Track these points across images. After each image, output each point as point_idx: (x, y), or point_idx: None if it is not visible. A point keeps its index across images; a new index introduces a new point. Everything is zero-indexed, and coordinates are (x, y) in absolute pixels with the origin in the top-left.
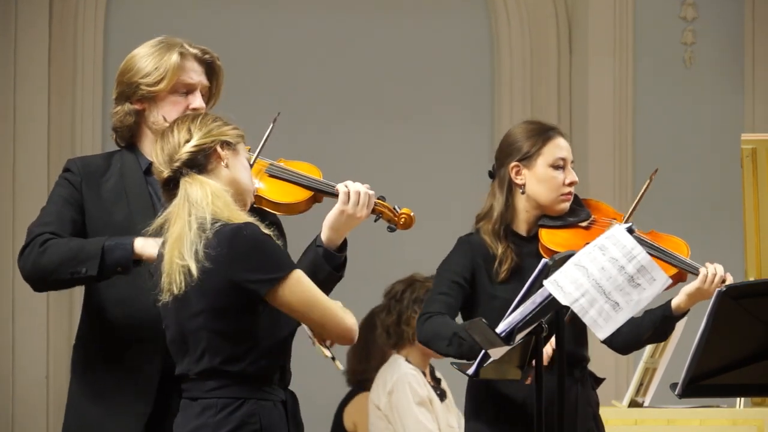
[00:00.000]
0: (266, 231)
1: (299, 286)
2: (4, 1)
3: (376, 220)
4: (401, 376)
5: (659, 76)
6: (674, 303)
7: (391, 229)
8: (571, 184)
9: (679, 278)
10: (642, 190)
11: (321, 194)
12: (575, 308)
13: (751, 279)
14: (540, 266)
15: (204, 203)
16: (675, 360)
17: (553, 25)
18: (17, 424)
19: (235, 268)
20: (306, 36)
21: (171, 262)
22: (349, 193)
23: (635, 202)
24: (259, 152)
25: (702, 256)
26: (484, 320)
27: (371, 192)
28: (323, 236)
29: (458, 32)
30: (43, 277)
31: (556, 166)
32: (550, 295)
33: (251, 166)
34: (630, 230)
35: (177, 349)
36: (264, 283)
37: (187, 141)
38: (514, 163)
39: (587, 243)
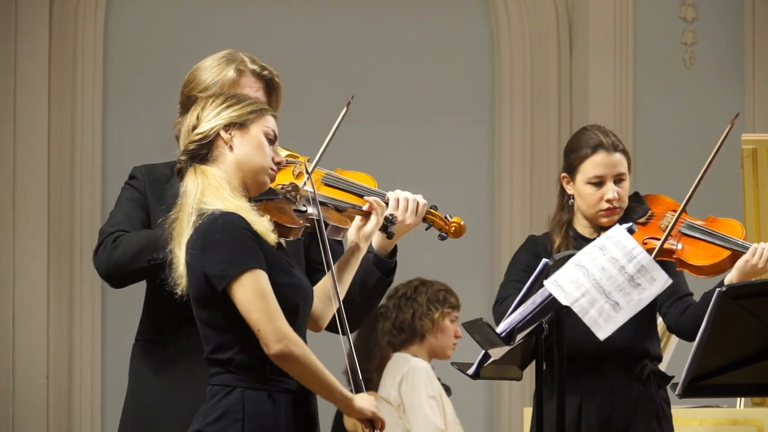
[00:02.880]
0: (257, 219)
1: (252, 286)
2: (4, 2)
3: (427, 229)
4: (411, 369)
5: (659, 76)
6: (727, 279)
7: (442, 238)
8: (609, 201)
9: (734, 259)
10: (697, 178)
11: None
12: (575, 308)
13: (751, 279)
14: (540, 266)
15: (193, 194)
16: (675, 360)
17: (553, 25)
18: (17, 424)
19: (202, 259)
20: (306, 35)
21: (177, 256)
22: (399, 199)
23: (691, 191)
24: (316, 162)
25: None
26: (484, 320)
27: (423, 201)
28: (374, 243)
29: (458, 32)
30: (119, 270)
31: (593, 183)
32: (551, 295)
33: (309, 175)
34: (630, 230)
35: None
36: (220, 279)
37: (194, 127)
38: (563, 174)
39: (647, 239)
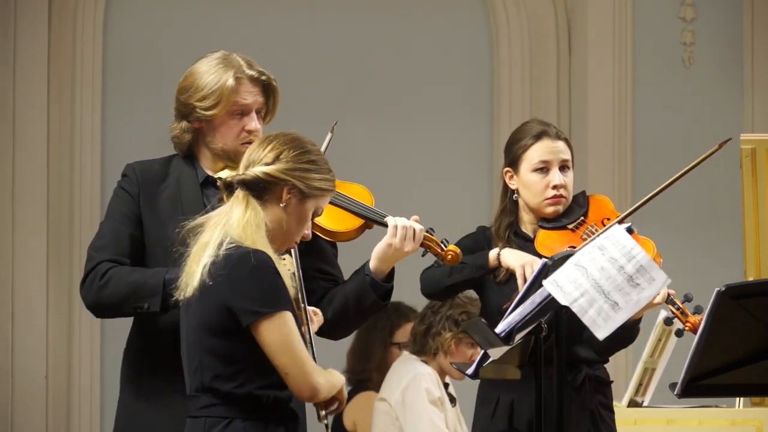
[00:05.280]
0: (280, 266)
1: (281, 328)
2: (3, 0)
3: (423, 254)
4: (417, 375)
5: (659, 76)
6: None
7: (439, 265)
8: (556, 187)
9: None
10: (645, 198)
11: (372, 223)
12: (574, 308)
13: (751, 279)
14: (539, 266)
15: (236, 224)
16: (674, 360)
17: (553, 25)
18: (16, 423)
19: (228, 291)
20: (305, 36)
21: (190, 266)
22: (397, 227)
23: (627, 212)
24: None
25: (701, 256)
26: (483, 320)
27: (419, 227)
28: (371, 265)
29: (458, 32)
30: (105, 310)
31: (539, 170)
32: (550, 295)
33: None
34: (629, 230)
35: (185, 363)
36: (248, 314)
37: (267, 164)
38: (505, 168)
39: (570, 246)
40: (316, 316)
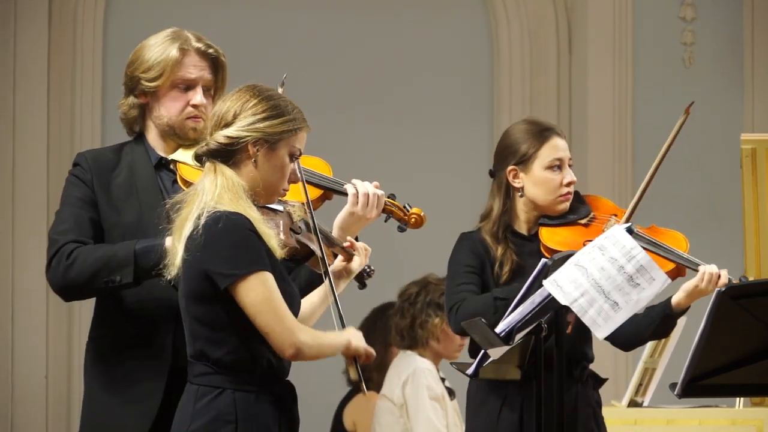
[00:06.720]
0: (268, 233)
1: (258, 288)
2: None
3: (386, 220)
4: (417, 370)
5: (659, 76)
6: (674, 300)
7: (401, 229)
8: (569, 185)
9: (677, 273)
10: (642, 186)
11: (331, 192)
12: (574, 308)
13: (751, 279)
14: (539, 266)
15: (210, 194)
16: (674, 360)
17: (553, 25)
18: (16, 423)
19: (205, 256)
20: (306, 35)
21: (173, 245)
22: (357, 194)
23: (634, 202)
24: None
25: (702, 256)
26: (483, 320)
27: (380, 192)
28: (335, 235)
29: (458, 32)
30: (75, 289)
31: (552, 168)
32: (550, 295)
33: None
34: (629, 230)
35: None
36: (224, 277)
37: (226, 125)
38: (511, 167)
39: (587, 240)
40: (363, 251)
